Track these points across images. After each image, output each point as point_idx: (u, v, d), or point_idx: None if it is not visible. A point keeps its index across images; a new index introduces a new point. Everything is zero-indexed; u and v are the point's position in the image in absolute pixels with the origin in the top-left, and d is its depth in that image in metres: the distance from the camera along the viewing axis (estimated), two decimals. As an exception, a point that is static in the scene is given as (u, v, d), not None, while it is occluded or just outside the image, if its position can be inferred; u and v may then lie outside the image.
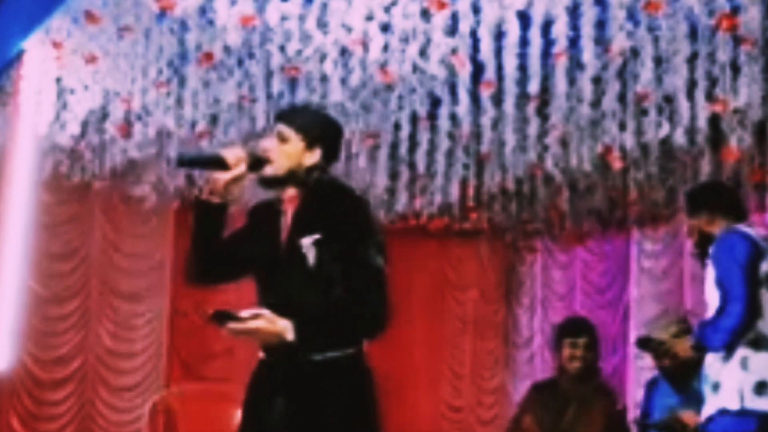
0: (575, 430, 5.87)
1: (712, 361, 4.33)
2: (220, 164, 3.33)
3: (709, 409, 4.28)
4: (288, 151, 3.35)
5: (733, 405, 4.20)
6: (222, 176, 3.34)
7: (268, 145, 3.38)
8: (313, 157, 3.36)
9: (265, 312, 3.17)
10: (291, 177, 3.35)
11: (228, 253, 3.43)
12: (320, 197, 3.32)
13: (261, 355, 3.36)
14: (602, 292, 9.38)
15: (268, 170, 3.35)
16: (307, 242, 3.25)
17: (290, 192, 3.39)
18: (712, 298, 4.32)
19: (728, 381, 4.22)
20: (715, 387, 4.24)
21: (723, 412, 4.21)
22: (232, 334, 3.17)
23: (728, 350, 4.24)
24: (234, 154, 3.35)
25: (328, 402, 3.23)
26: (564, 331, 6.16)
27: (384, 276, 3.27)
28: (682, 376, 5.55)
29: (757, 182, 7.35)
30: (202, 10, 5.97)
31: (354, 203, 3.34)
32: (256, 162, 3.35)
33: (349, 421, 3.25)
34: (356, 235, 3.25)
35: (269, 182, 3.39)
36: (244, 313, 3.14)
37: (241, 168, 3.34)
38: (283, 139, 3.37)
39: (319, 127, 3.41)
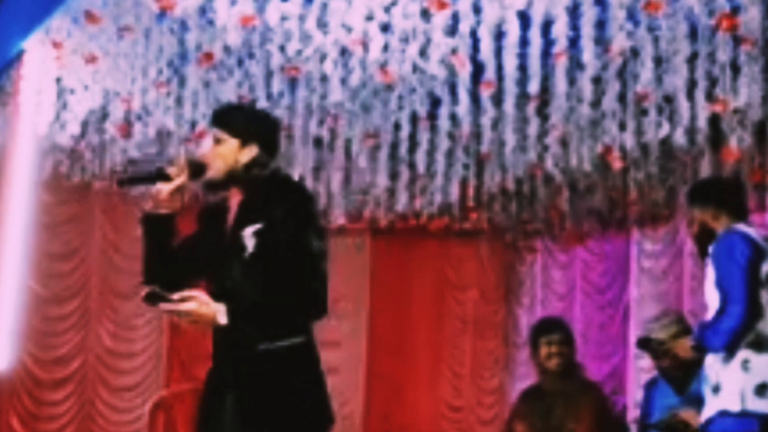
0: (565, 426, 5.89)
1: (712, 362, 4.32)
2: (163, 177, 3.41)
3: (709, 410, 4.27)
4: (223, 153, 3.41)
5: (734, 406, 4.19)
6: (165, 187, 3.41)
7: (205, 149, 3.45)
8: (249, 153, 3.41)
9: (198, 294, 3.22)
10: (231, 177, 3.41)
11: (180, 259, 3.48)
12: (261, 190, 3.38)
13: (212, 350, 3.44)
14: (602, 292, 9.36)
15: (209, 174, 3.41)
16: (248, 232, 3.32)
17: (235, 191, 3.45)
18: (712, 298, 4.31)
19: (729, 383, 4.21)
20: (716, 389, 4.23)
21: (723, 414, 4.20)
22: (169, 314, 3.25)
23: (729, 352, 4.23)
24: (173, 166, 3.43)
25: (276, 392, 3.27)
26: (538, 331, 6.22)
27: (323, 261, 3.33)
28: (681, 377, 5.55)
29: (757, 182, 7.35)
30: (202, 10, 5.98)
31: (292, 192, 3.40)
32: (197, 169, 3.43)
33: (297, 410, 3.28)
34: (294, 222, 3.29)
35: (212, 186, 3.47)
36: (177, 295, 3.19)
37: (183, 177, 3.42)
38: (217, 141, 3.42)
39: (250, 124, 3.47)
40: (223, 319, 3.20)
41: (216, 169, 3.41)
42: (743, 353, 4.23)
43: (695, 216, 4.57)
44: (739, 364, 4.22)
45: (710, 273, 4.35)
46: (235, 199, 3.45)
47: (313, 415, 3.33)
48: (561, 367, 5.97)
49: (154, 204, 3.45)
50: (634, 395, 8.48)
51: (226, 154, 3.40)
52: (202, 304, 3.20)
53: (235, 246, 3.33)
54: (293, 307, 3.28)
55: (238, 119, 3.49)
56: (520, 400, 6.29)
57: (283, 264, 3.26)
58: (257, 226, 3.31)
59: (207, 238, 3.49)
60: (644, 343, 4.90)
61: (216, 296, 3.37)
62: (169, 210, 3.45)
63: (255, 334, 3.25)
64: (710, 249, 4.38)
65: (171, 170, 3.41)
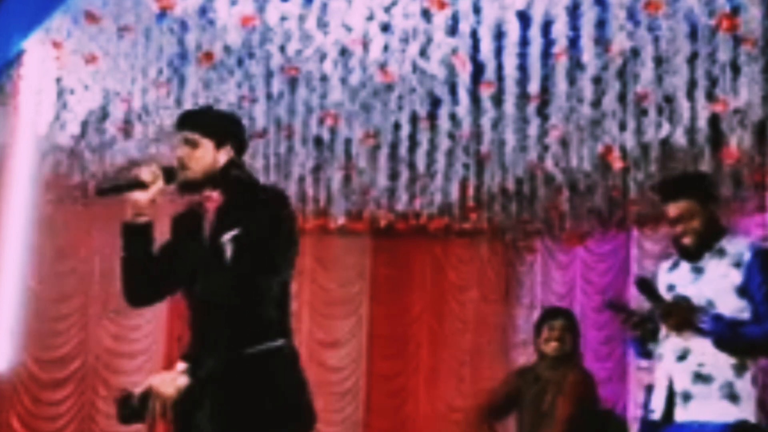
0: (553, 414, 5.89)
1: (722, 365, 4.20)
2: (139, 185, 3.39)
3: (725, 415, 4.15)
4: (200, 156, 3.41)
5: (752, 419, 4.13)
6: (143, 195, 3.39)
7: (180, 153, 3.43)
8: (225, 155, 3.42)
9: (152, 380, 3.22)
10: (208, 179, 3.41)
11: (160, 268, 3.47)
12: (238, 194, 3.38)
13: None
14: (602, 292, 9.37)
15: (186, 176, 3.40)
16: (226, 238, 3.31)
17: (209, 193, 3.43)
18: (727, 299, 4.18)
19: (745, 393, 4.15)
20: (733, 397, 4.15)
21: (744, 423, 4.13)
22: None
23: (740, 361, 4.15)
24: (149, 172, 3.40)
25: (255, 395, 3.26)
26: (543, 316, 6.24)
27: (290, 269, 3.36)
28: None
29: (757, 182, 7.35)
30: (202, 10, 5.98)
31: (268, 195, 3.41)
32: (171, 173, 3.42)
33: (276, 412, 3.27)
34: (266, 223, 3.29)
35: (187, 187, 3.44)
36: (136, 396, 3.22)
37: (159, 183, 3.40)
38: (192, 144, 3.41)
39: (223, 126, 3.48)
40: (182, 380, 3.19)
41: (194, 172, 3.40)
42: (754, 369, 4.18)
43: (687, 209, 4.28)
44: (750, 378, 4.18)
45: (733, 274, 4.18)
46: (211, 204, 3.44)
47: (294, 416, 3.32)
48: (558, 352, 5.97)
49: (134, 213, 3.43)
50: (634, 395, 8.49)
51: (203, 156, 3.40)
52: (161, 384, 3.20)
53: (215, 252, 3.33)
54: (266, 314, 3.28)
55: (212, 121, 3.49)
56: (513, 376, 6.29)
57: (257, 270, 3.26)
58: (234, 231, 3.30)
59: (183, 246, 3.48)
60: (644, 285, 4.39)
61: (194, 303, 3.38)
62: (148, 218, 3.45)
63: (234, 339, 3.25)
64: (747, 254, 4.17)
65: (146, 177, 3.39)
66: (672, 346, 4.25)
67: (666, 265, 4.48)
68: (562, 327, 6.04)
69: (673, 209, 4.30)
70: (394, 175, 8.12)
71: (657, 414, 4.28)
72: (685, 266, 4.32)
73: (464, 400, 10.47)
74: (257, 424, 3.26)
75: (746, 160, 6.85)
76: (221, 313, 3.24)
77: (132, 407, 3.24)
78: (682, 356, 4.21)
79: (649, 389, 5.87)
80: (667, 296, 4.31)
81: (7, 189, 6.99)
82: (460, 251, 10.63)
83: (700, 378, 4.18)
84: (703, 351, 4.16)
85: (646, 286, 4.36)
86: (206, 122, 3.47)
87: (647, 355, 4.45)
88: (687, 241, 4.29)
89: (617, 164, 7.21)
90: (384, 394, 10.46)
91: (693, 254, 4.29)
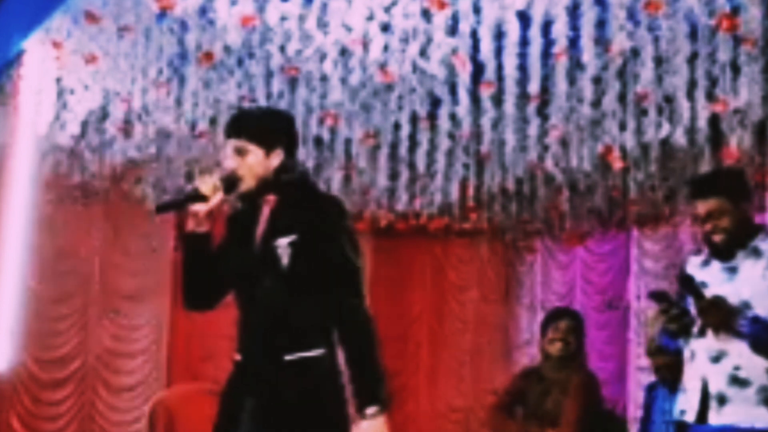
0: (556, 414, 5.90)
1: (759, 369, 4.10)
2: (199, 198, 3.39)
3: (761, 420, 4.01)
4: (251, 164, 3.39)
5: None
6: (203, 207, 3.39)
7: (233, 163, 3.41)
8: (277, 158, 3.40)
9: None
10: (264, 185, 3.40)
11: (216, 271, 3.47)
12: (294, 198, 3.38)
13: (237, 356, 3.41)
14: (602, 292, 9.37)
15: (242, 187, 3.39)
16: (282, 243, 3.30)
17: (268, 196, 3.43)
18: (764, 301, 4.03)
19: None
20: None
21: None
22: None
23: None
24: (209, 185, 3.39)
25: (297, 401, 3.26)
26: (548, 317, 6.25)
27: (360, 275, 3.35)
28: (679, 381, 5.54)
29: (757, 182, 7.35)
30: (202, 10, 5.97)
31: (328, 203, 3.40)
32: (230, 184, 3.40)
33: (316, 421, 3.27)
34: (331, 235, 3.29)
35: (247, 197, 3.44)
36: None
37: (219, 195, 3.38)
38: (242, 153, 3.39)
39: (271, 129, 3.45)
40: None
41: (249, 181, 3.38)
42: None
43: (716, 207, 4.17)
44: None
45: None
46: (267, 205, 3.43)
47: (333, 426, 3.32)
48: (562, 353, 5.98)
49: (195, 223, 3.42)
50: (634, 395, 8.49)
51: (255, 164, 3.37)
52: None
53: (268, 256, 3.32)
54: (326, 320, 3.29)
55: (260, 125, 3.44)
56: (518, 377, 6.30)
57: (321, 279, 3.26)
58: (292, 237, 3.29)
59: (236, 247, 3.48)
60: (687, 281, 4.20)
61: (243, 304, 3.38)
62: (208, 228, 3.43)
63: (284, 344, 3.25)
64: None
65: (205, 189, 3.37)
66: (706, 346, 4.15)
67: (696, 261, 4.36)
68: (567, 328, 6.04)
69: (702, 207, 4.20)
70: (394, 175, 8.12)
71: (690, 415, 4.17)
72: (716, 265, 4.23)
73: (464, 400, 10.48)
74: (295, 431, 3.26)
75: (746, 160, 6.85)
76: (275, 318, 3.25)
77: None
78: (717, 358, 4.11)
79: (649, 389, 5.89)
80: None
81: (7, 189, 6.99)
82: (460, 251, 10.63)
83: (737, 381, 4.07)
84: (740, 354, 4.05)
85: (689, 282, 4.21)
86: (253, 128, 3.42)
87: (677, 352, 4.34)
88: (717, 239, 4.18)
89: (617, 164, 7.21)
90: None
91: (725, 253, 4.19)
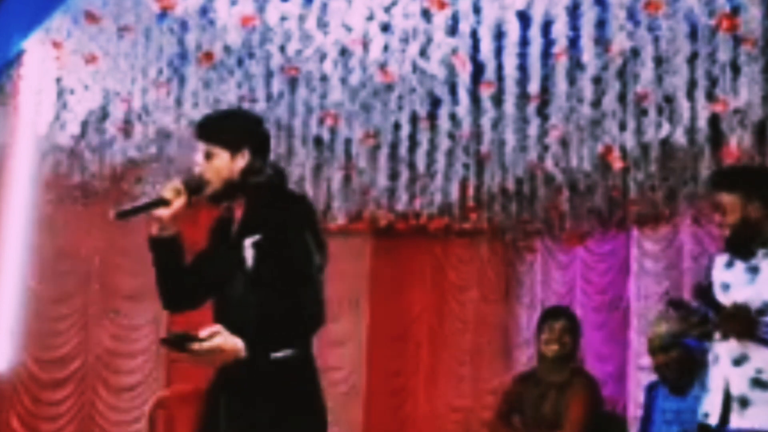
0: (554, 417, 5.90)
1: None
2: (162, 203, 3.41)
3: None
4: (218, 166, 3.42)
5: None
6: (165, 212, 3.41)
7: (200, 166, 3.45)
8: (243, 160, 3.42)
9: (221, 328, 3.20)
10: (230, 187, 3.43)
11: (195, 274, 3.51)
12: (263, 199, 3.40)
13: None
14: (602, 292, 9.37)
15: (208, 190, 3.42)
16: (247, 244, 3.33)
17: (240, 199, 3.46)
18: None
19: None
20: None
21: None
22: (194, 355, 3.17)
23: None
24: (171, 190, 3.42)
25: (269, 402, 3.28)
26: (544, 316, 6.25)
27: (320, 275, 3.36)
28: (679, 380, 5.54)
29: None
30: (202, 10, 5.97)
31: (293, 201, 3.42)
32: (195, 188, 3.43)
33: (289, 421, 3.28)
34: (293, 234, 3.30)
35: (214, 200, 3.47)
36: (203, 333, 3.17)
37: (182, 199, 3.41)
38: (209, 156, 3.42)
39: (235, 131, 3.47)
40: (243, 353, 3.19)
41: (215, 183, 3.42)
42: None
43: (727, 202, 4.20)
44: None
45: None
46: (238, 208, 3.47)
47: (306, 426, 3.32)
48: (558, 354, 5.99)
49: (160, 228, 3.45)
50: (634, 395, 8.48)
51: (221, 167, 3.41)
52: (227, 339, 3.19)
53: (237, 257, 3.35)
54: (291, 321, 3.28)
55: (224, 128, 3.48)
56: (514, 383, 6.30)
57: (282, 277, 3.26)
58: (256, 237, 3.31)
59: (216, 251, 3.52)
60: (701, 293, 4.24)
61: (216, 305, 3.39)
62: (174, 231, 3.47)
63: (254, 347, 3.25)
64: None
65: (168, 194, 3.41)
66: (728, 349, 4.14)
67: (721, 261, 4.35)
68: (563, 328, 6.04)
69: (714, 200, 4.24)
70: (394, 175, 8.12)
71: (713, 418, 4.17)
72: (740, 266, 4.22)
73: (464, 400, 10.48)
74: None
75: (746, 160, 6.85)
76: (241, 317, 3.25)
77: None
78: (739, 361, 4.10)
79: (649, 389, 5.89)
80: (721, 295, 4.20)
81: (7, 189, 6.99)
82: (460, 251, 10.62)
83: (759, 384, 4.06)
84: (763, 357, 4.05)
85: (704, 294, 4.24)
86: (217, 131, 3.46)
87: (703, 353, 4.33)
88: (727, 234, 4.20)
89: (617, 164, 7.20)
90: (384, 394, 10.45)
91: (739, 250, 4.18)
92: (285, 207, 3.36)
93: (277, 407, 3.27)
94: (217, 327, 3.20)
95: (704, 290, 4.26)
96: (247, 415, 3.29)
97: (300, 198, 3.51)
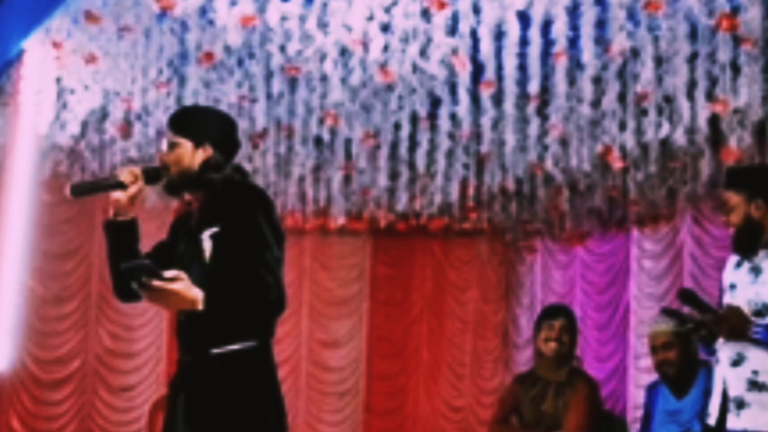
0: (553, 416, 5.90)
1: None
2: (118, 185, 3.43)
3: None
4: (179, 155, 3.43)
5: None
6: (122, 195, 3.43)
7: (160, 154, 3.49)
8: (204, 155, 3.42)
9: (184, 276, 3.19)
10: (188, 178, 3.43)
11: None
12: (218, 193, 3.40)
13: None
14: (602, 292, 9.37)
15: (165, 179, 3.45)
16: (205, 236, 3.34)
17: (197, 193, 3.47)
18: None
19: None
20: None
21: None
22: (151, 292, 3.15)
23: None
24: (127, 173, 3.44)
25: (225, 395, 3.26)
26: (543, 315, 6.24)
27: (278, 265, 3.31)
28: (680, 380, 5.55)
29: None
30: (202, 10, 5.97)
31: (249, 194, 3.39)
32: (152, 174, 3.45)
33: (244, 415, 3.26)
34: (248, 220, 3.29)
35: (171, 189, 3.48)
36: (168, 273, 3.17)
37: (139, 184, 3.43)
38: (172, 146, 3.45)
39: (202, 125, 3.48)
40: (200, 305, 3.17)
41: (171, 173, 3.43)
42: None
43: (730, 200, 4.20)
44: None
45: None
46: (195, 204, 3.48)
47: (263, 421, 3.30)
48: (556, 353, 5.99)
49: (115, 211, 3.47)
50: (634, 395, 8.48)
51: (181, 157, 3.42)
52: (188, 287, 3.18)
53: (195, 249, 3.36)
54: (248, 312, 3.26)
55: (190, 121, 3.49)
56: (513, 383, 6.30)
57: (239, 263, 3.25)
58: (214, 229, 3.32)
59: (175, 244, 3.53)
60: (687, 297, 4.23)
61: None
62: (130, 216, 3.48)
63: (210, 338, 3.26)
64: None
65: (125, 178, 3.42)
66: (727, 350, 4.15)
67: (732, 261, 4.34)
68: (561, 327, 6.04)
69: (721, 198, 4.30)
70: (394, 175, 8.13)
71: (712, 419, 4.18)
72: (746, 265, 4.22)
73: (464, 400, 10.48)
74: (224, 427, 3.25)
75: (746, 160, 6.85)
76: (197, 311, 3.23)
77: None
78: (737, 362, 4.10)
79: (649, 389, 5.89)
80: (728, 295, 4.21)
81: (7, 189, 6.99)
82: (460, 251, 10.62)
83: (755, 386, 4.06)
84: (759, 358, 4.05)
85: (691, 298, 4.24)
86: (184, 122, 3.49)
87: (712, 353, 4.34)
88: (731, 230, 4.22)
89: (617, 164, 7.21)
90: (384, 394, 10.45)
91: (743, 250, 4.19)
92: (241, 198, 3.36)
93: (234, 402, 3.26)
94: (182, 273, 3.19)
95: (689, 295, 4.27)
96: (204, 411, 3.28)
97: (257, 190, 3.47)
